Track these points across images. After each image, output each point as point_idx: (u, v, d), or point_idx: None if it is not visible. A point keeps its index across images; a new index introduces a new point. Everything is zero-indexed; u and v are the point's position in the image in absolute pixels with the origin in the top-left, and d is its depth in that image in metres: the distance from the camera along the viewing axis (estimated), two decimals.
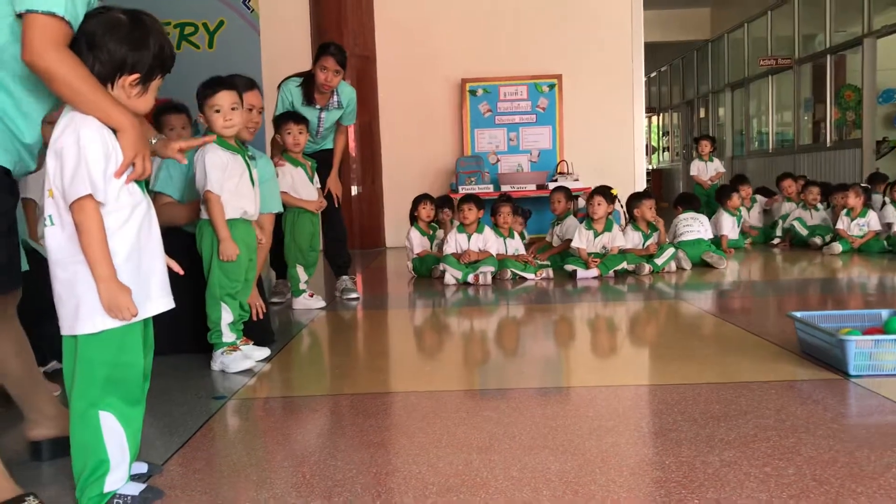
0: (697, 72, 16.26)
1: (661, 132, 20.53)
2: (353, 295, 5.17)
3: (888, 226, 6.94)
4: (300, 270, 4.84)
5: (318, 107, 4.98)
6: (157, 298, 1.91)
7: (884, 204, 7.21)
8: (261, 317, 3.69)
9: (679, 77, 17.72)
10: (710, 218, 6.90)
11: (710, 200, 8.04)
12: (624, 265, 5.85)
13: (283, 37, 8.55)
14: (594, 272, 5.77)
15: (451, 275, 5.68)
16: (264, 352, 3.48)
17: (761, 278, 5.92)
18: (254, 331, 3.58)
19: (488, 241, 5.89)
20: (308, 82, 4.95)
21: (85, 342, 1.83)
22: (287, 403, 2.91)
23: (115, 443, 1.85)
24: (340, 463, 2.15)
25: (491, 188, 7.99)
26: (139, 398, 1.92)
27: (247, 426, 2.65)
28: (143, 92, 1.90)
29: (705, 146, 8.99)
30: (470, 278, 5.66)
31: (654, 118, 20.31)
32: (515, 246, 6.05)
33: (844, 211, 7.02)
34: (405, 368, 3.46)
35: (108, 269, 1.78)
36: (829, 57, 10.48)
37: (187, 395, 2.92)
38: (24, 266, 2.74)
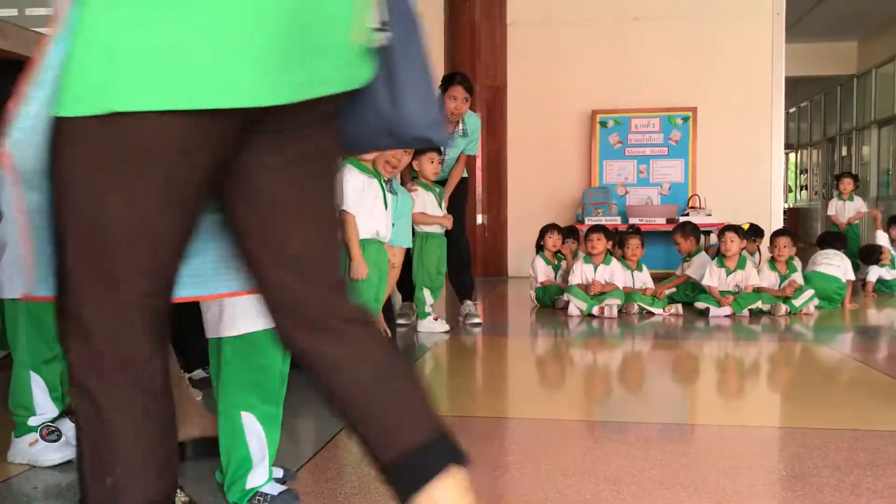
0: (841, 108, 15.53)
1: (798, 170, 19.70)
2: (476, 320, 5.20)
3: None
4: (427, 294, 4.92)
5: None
6: None
7: None
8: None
9: (820, 113, 16.98)
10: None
11: (850, 242, 7.64)
12: (759, 304, 5.63)
13: None
14: (727, 310, 5.57)
15: (576, 306, 5.62)
16: None
17: None
18: None
19: (615, 273, 5.80)
20: None
21: (228, 345, 1.93)
22: None
23: (255, 441, 1.95)
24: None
25: (618, 220, 7.88)
26: (278, 400, 2.01)
27: None
28: None
29: (847, 185, 8.56)
30: (595, 310, 5.58)
31: (792, 155, 19.51)
32: (643, 279, 5.93)
33: None
34: (528, 395, 3.44)
35: None
36: None
37: (319, 408, 3.01)
38: None
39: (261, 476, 1.97)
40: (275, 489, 1.98)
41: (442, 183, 5.13)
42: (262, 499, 1.96)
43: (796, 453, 2.46)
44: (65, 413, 2.51)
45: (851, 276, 6.19)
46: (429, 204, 4.79)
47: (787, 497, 2.07)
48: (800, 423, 2.87)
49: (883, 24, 12.79)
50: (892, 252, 7.29)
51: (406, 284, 5.14)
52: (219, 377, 1.99)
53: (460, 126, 5.10)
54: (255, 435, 1.95)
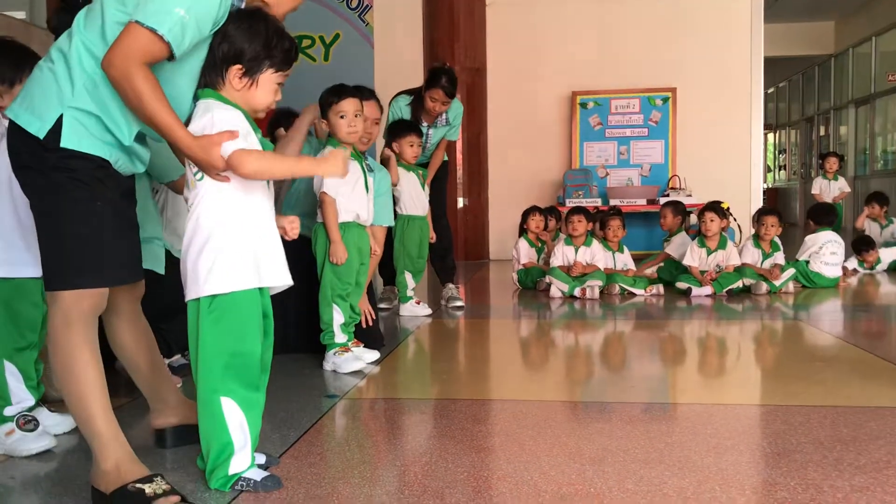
0: (819, 87, 15.61)
1: (776, 150, 19.80)
2: (459, 303, 5.19)
3: None
4: (408, 277, 4.90)
5: (425, 124, 5.01)
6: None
7: None
8: (370, 323, 3.75)
9: (798, 93, 17.07)
10: None
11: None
12: (740, 284, 5.64)
13: (397, 50, 8.71)
14: (708, 290, 5.59)
15: (558, 287, 5.61)
16: (374, 354, 3.52)
17: (886, 302, 5.60)
18: (364, 335, 3.63)
19: (596, 254, 5.80)
20: (417, 101, 4.98)
21: (206, 332, 1.92)
22: (396, 405, 2.93)
23: (236, 427, 1.93)
24: (451, 465, 2.14)
25: (599, 202, 7.88)
26: (258, 385, 1.99)
27: (357, 425, 2.69)
28: (251, 84, 1.95)
29: (832, 163, 8.58)
30: (577, 292, 5.58)
31: (771, 135, 19.61)
32: (624, 260, 5.93)
33: None
34: (512, 377, 3.43)
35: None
36: None
37: (301, 394, 2.99)
38: (161, 269, 2.87)
39: (243, 462, 1.94)
40: (258, 475, 1.95)
41: (423, 166, 5.09)
42: (244, 484, 1.93)
43: (779, 430, 2.46)
44: (41, 402, 2.47)
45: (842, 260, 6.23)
46: (412, 185, 4.76)
47: (771, 474, 2.07)
48: (783, 401, 2.88)
49: (860, 3, 12.85)
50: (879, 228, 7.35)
51: (388, 268, 5.10)
52: (196, 364, 1.96)
53: (444, 115, 5.05)
54: (235, 420, 1.92)
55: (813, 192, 8.67)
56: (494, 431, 2.54)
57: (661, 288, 5.74)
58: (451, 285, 5.32)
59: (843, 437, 2.35)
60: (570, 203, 7.69)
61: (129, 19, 1.84)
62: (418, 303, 4.93)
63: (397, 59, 8.58)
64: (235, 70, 1.94)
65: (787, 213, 15.62)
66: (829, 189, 8.56)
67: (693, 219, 7.11)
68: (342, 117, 3.29)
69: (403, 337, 4.24)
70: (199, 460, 2.04)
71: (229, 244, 1.92)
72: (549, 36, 8.84)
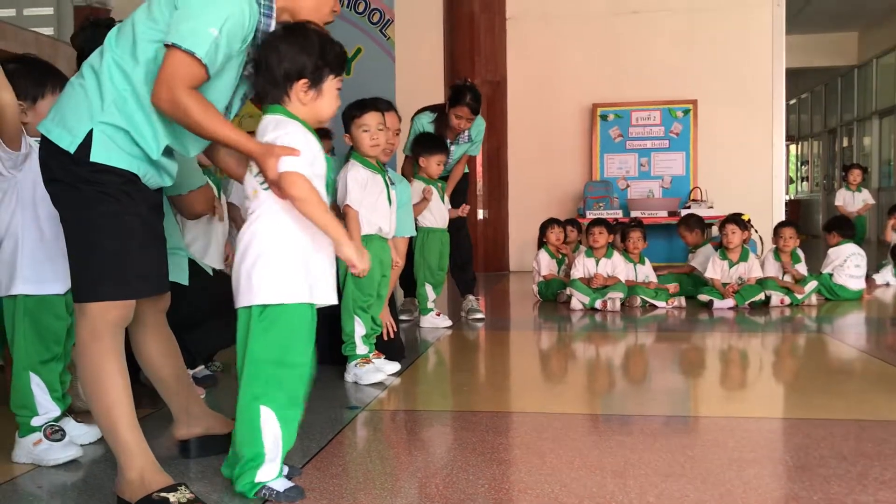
0: (842, 98, 15.49)
1: (799, 161, 19.66)
2: (479, 315, 5.19)
3: None
4: (429, 289, 4.91)
5: (448, 141, 5.04)
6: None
7: None
8: (391, 335, 3.76)
9: (821, 104, 16.94)
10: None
11: (857, 233, 7.59)
12: (762, 296, 5.61)
13: (418, 64, 8.75)
14: (730, 302, 5.56)
15: (578, 300, 5.60)
16: (395, 366, 3.53)
17: None
18: (385, 347, 3.65)
19: (617, 266, 5.78)
20: (440, 119, 5.00)
21: (254, 340, 1.96)
22: (416, 417, 2.94)
23: (271, 439, 1.95)
24: (472, 477, 2.15)
25: (620, 213, 7.86)
26: (300, 399, 2.02)
27: (378, 437, 2.70)
28: (318, 95, 2.02)
29: (856, 175, 8.51)
30: (597, 304, 5.57)
31: (793, 147, 19.48)
32: (646, 272, 5.91)
33: None
34: (532, 389, 3.43)
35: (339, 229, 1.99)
36: None
37: (322, 405, 3.00)
38: (184, 280, 2.91)
39: (271, 472, 1.97)
40: (282, 485, 1.97)
41: (443, 179, 5.12)
42: (268, 493, 1.95)
43: (802, 444, 2.45)
44: (67, 412, 2.50)
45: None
46: (434, 198, 4.79)
47: (793, 488, 2.06)
48: (805, 414, 2.86)
49: (884, 13, 12.75)
50: None
51: (408, 280, 5.12)
52: (241, 371, 1.99)
53: (467, 132, 5.07)
54: (271, 433, 1.95)
55: (836, 203, 8.60)
56: (515, 444, 2.55)
57: (682, 300, 5.72)
58: (471, 297, 5.33)
59: (866, 451, 2.33)
60: (591, 215, 7.68)
61: (165, 41, 1.89)
62: (438, 314, 4.94)
63: (418, 73, 8.62)
64: (301, 85, 2.00)
65: (810, 224, 15.48)
66: (853, 201, 8.49)
67: (714, 231, 7.07)
68: (365, 131, 3.33)
69: (424, 349, 4.25)
70: (226, 465, 2.06)
71: (285, 257, 1.97)
72: (569, 48, 8.85)
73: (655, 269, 6.05)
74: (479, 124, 5.15)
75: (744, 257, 5.76)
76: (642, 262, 5.94)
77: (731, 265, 5.75)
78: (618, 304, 5.56)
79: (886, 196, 12.68)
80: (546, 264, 6.21)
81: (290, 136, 1.96)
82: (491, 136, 8.23)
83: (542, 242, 6.31)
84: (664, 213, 7.89)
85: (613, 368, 3.91)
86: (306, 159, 1.95)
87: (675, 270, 6.23)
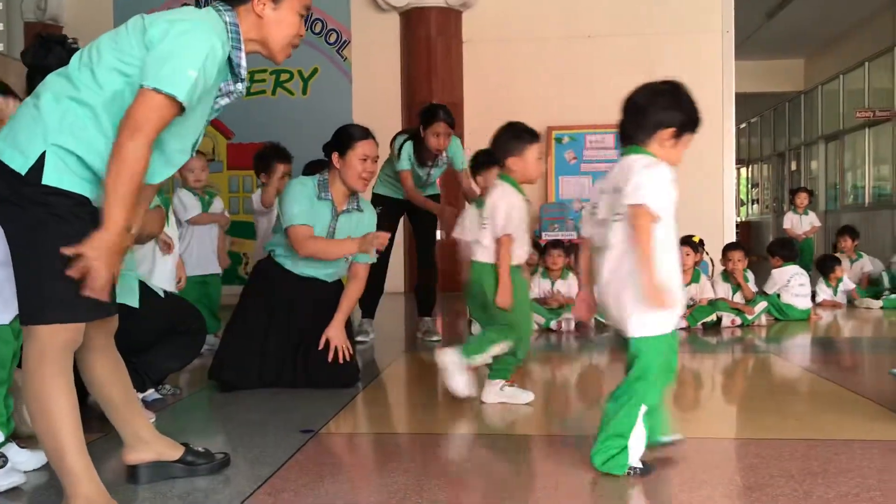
0: (790, 123, 15.91)
1: (749, 184, 20.10)
2: (435, 337, 5.19)
3: None
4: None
5: (428, 163, 5.06)
6: None
7: None
8: (347, 358, 3.68)
9: (770, 128, 17.36)
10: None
11: (804, 254, 7.79)
12: (714, 317, 5.70)
13: (375, 85, 8.76)
14: (682, 323, 5.64)
15: (534, 320, 5.63)
16: (529, 395, 3.39)
17: (856, 335, 5.68)
18: (339, 370, 3.60)
19: (572, 287, 5.83)
20: (417, 143, 4.99)
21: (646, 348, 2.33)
22: (371, 440, 2.93)
23: (639, 435, 2.28)
24: (426, 501, 2.14)
25: (575, 235, 7.94)
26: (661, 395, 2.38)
27: (333, 460, 2.68)
28: (676, 144, 2.39)
29: (803, 198, 8.74)
30: (553, 325, 5.61)
31: (744, 169, 19.92)
32: None
33: None
34: (487, 410, 3.42)
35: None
36: None
37: (276, 428, 2.97)
38: (134, 302, 2.86)
39: (634, 456, 2.29)
40: (639, 463, 2.31)
41: (434, 198, 5.18)
42: (632, 472, 2.27)
43: (752, 464, 2.49)
44: (11, 438, 2.44)
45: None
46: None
47: None
48: (755, 434, 2.91)
49: (828, 42, 13.16)
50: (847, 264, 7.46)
51: (367, 300, 5.12)
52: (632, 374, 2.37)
53: (444, 154, 5.08)
54: (639, 430, 2.29)
55: (784, 226, 8.80)
56: (471, 466, 2.55)
57: None
58: (427, 319, 5.33)
59: (813, 469, 2.38)
60: (547, 236, 7.75)
61: (144, 83, 1.89)
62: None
63: (376, 95, 8.64)
64: (668, 133, 2.37)
65: (760, 246, 15.78)
66: (801, 223, 8.70)
67: None
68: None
69: (379, 370, 4.23)
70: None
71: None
72: (524, 71, 8.95)
73: None
74: (455, 143, 5.14)
75: (695, 279, 5.86)
76: None
77: (683, 287, 5.83)
78: (573, 324, 5.60)
79: (833, 219, 13.02)
80: None
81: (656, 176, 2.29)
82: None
83: None
84: None
85: (569, 389, 3.93)
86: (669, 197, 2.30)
87: None
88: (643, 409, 2.30)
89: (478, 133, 8.93)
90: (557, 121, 8.88)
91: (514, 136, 3.35)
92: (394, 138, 5.12)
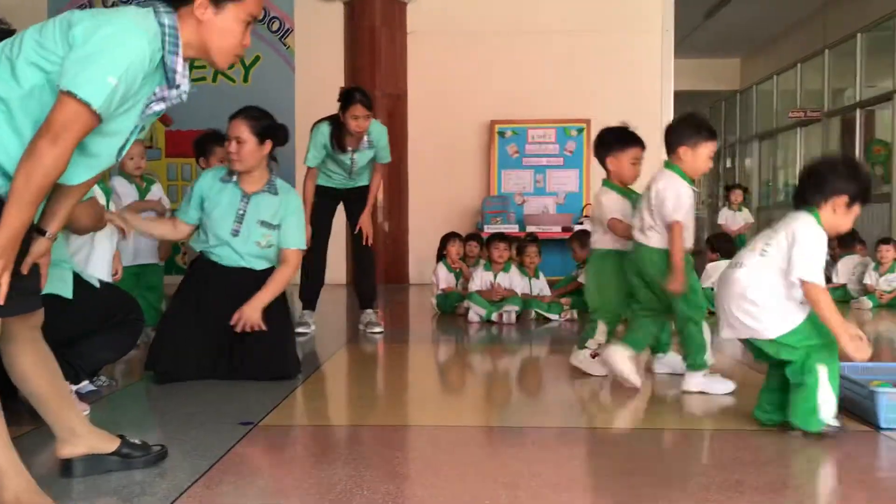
0: (725, 121, 16.30)
1: None
2: (378, 329, 5.18)
3: None
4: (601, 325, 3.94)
5: (350, 149, 5.00)
6: None
7: None
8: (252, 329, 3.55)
9: None
10: None
11: (736, 251, 7.97)
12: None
13: (318, 74, 8.68)
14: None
15: (476, 312, 5.68)
16: (730, 385, 3.43)
17: None
18: (277, 361, 3.57)
19: (514, 280, 5.90)
20: (337, 129, 4.95)
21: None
22: (311, 432, 2.91)
23: (825, 388, 2.57)
24: (367, 493, 2.14)
25: (516, 228, 8.02)
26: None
27: (271, 453, 2.66)
28: (847, 211, 2.66)
29: (737, 195, 8.96)
30: (494, 317, 5.65)
31: None
32: (540, 286, 6.05)
33: (873, 266, 6.97)
34: (429, 402, 3.45)
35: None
36: (858, 111, 10.47)
37: (213, 420, 2.93)
38: (68, 293, 2.79)
39: (827, 413, 2.59)
40: (837, 422, 2.63)
41: (351, 191, 5.11)
42: (829, 429, 2.57)
43: (685, 454, 2.56)
44: None
45: None
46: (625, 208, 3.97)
47: (676, 496, 2.15)
48: (689, 425, 2.98)
49: (763, 43, 13.52)
50: None
51: (307, 292, 5.07)
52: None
53: (366, 138, 5.04)
54: (825, 383, 2.58)
55: (719, 222, 9.03)
56: (411, 457, 2.56)
57: (574, 314, 5.87)
58: (369, 311, 5.31)
59: (744, 459, 2.45)
60: (489, 229, 7.80)
61: (61, 86, 1.81)
62: (594, 356, 3.73)
63: (319, 84, 8.54)
64: (843, 200, 2.64)
65: (696, 241, 16.16)
66: (735, 220, 8.93)
67: None
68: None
69: (320, 362, 4.21)
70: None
71: None
72: (468, 65, 8.98)
73: (549, 284, 6.19)
74: (377, 128, 5.09)
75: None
76: (537, 277, 6.08)
77: None
78: (513, 316, 5.66)
79: (766, 215, 13.39)
80: (444, 278, 6.26)
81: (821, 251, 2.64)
82: (392, 149, 8.23)
83: (441, 255, 6.36)
84: (558, 229, 8.10)
85: (508, 381, 3.98)
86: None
87: (564, 291, 6.29)
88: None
89: (422, 125, 8.97)
90: (500, 115, 8.94)
91: (694, 128, 3.38)
92: (313, 127, 5.06)
